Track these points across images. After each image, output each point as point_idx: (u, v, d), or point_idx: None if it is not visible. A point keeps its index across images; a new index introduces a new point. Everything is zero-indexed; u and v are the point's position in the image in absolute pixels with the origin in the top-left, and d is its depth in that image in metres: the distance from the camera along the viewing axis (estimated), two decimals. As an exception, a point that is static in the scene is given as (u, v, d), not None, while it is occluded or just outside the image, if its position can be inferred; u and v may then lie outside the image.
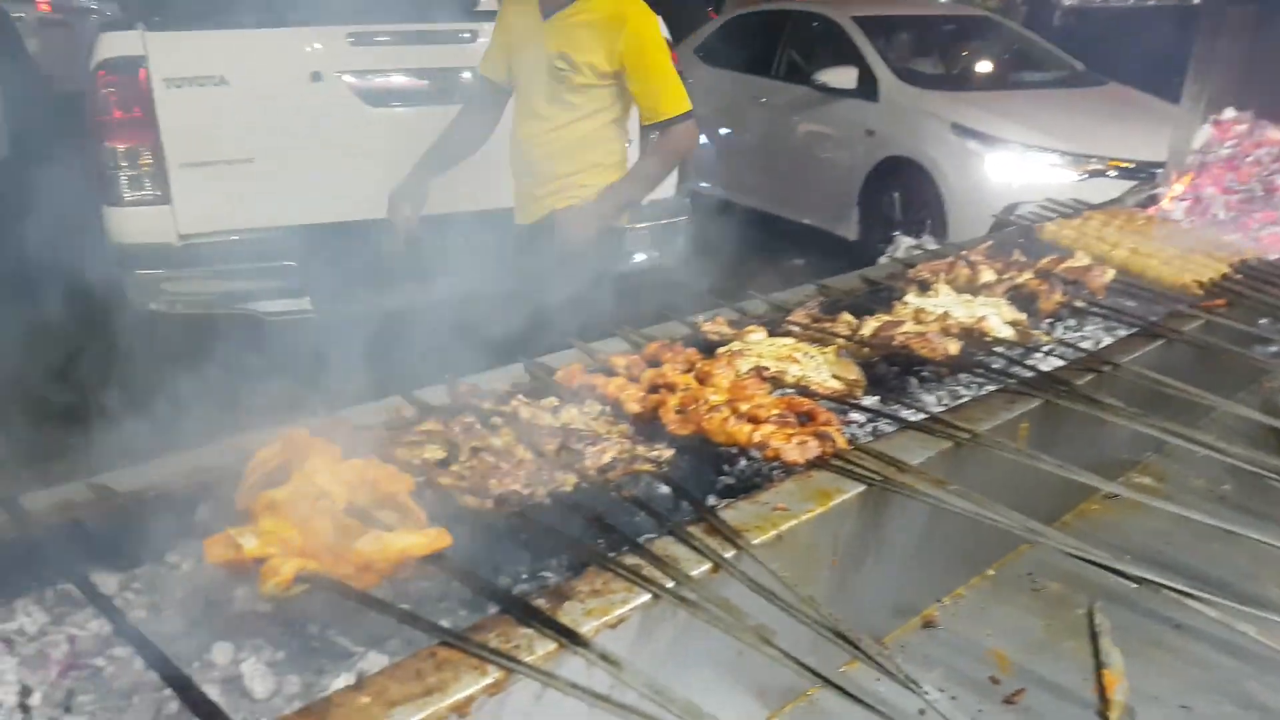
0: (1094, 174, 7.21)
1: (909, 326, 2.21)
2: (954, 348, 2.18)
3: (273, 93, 4.79)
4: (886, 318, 2.29)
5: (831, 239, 8.46)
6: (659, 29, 3.15)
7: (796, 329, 2.26)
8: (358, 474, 1.31)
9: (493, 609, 1.19)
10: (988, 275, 2.67)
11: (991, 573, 1.95)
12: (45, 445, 3.34)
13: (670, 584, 1.25)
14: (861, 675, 1.25)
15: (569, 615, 1.16)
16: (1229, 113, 4.10)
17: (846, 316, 2.31)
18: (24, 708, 1.17)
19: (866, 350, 2.19)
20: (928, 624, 1.79)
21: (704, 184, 9.98)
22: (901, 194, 7.95)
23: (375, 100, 4.90)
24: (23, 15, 12.75)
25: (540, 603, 1.17)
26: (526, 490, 1.41)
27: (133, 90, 4.46)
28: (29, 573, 1.35)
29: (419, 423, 1.60)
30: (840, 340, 2.18)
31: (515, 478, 1.43)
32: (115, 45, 4.50)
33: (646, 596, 1.23)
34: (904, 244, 5.97)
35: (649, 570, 1.27)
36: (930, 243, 5.11)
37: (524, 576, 1.49)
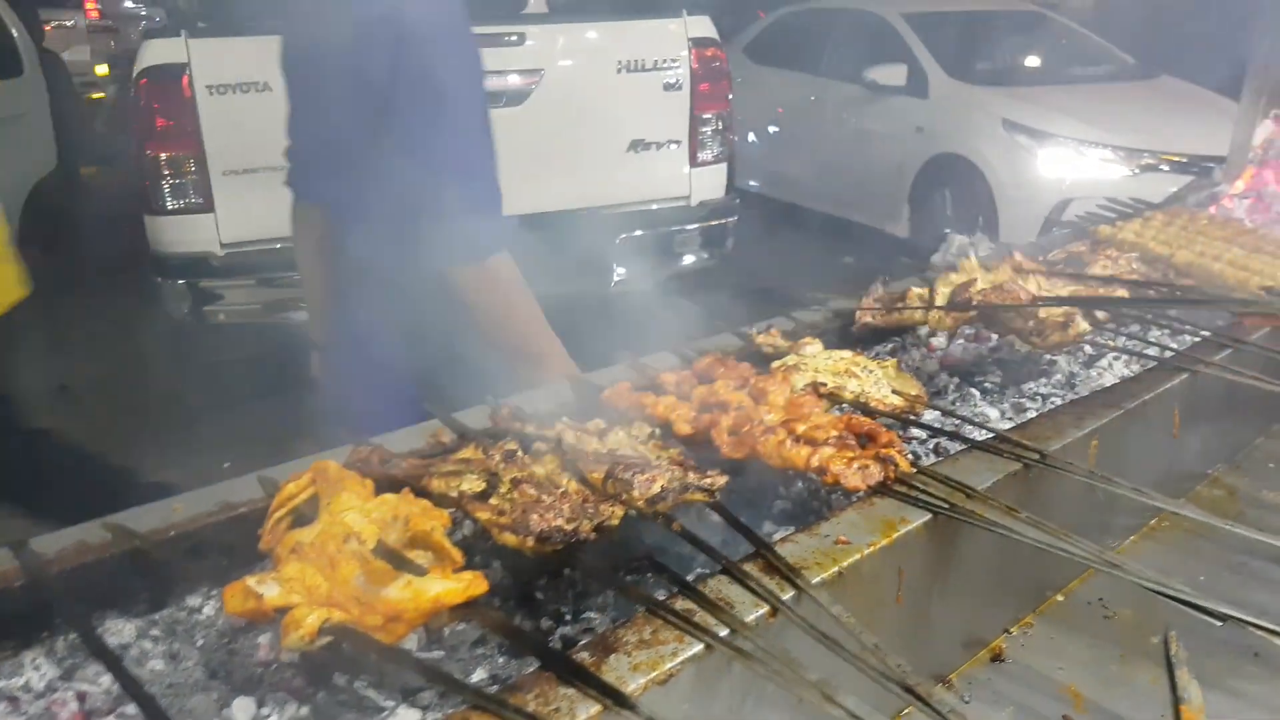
0: (1147, 169, 7.05)
1: (981, 284, 2.13)
2: (1031, 285, 2.11)
3: (315, 99, 4.75)
4: (956, 278, 2.21)
5: (882, 236, 8.34)
6: None
7: (871, 319, 2.19)
8: (390, 510, 1.23)
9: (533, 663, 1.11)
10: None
11: (1060, 599, 1.84)
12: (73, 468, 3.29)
13: (724, 632, 1.15)
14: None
15: (614, 671, 1.06)
16: (1291, 107, 3.94)
17: (915, 290, 2.23)
18: (30, 774, 1.10)
19: (950, 320, 2.11)
20: (996, 657, 1.68)
21: (753, 183, 9.90)
22: (952, 191, 7.82)
23: (420, 104, 4.84)
24: (73, 21, 12.94)
25: (584, 657, 1.08)
26: (570, 525, 1.32)
27: (175, 98, 4.45)
28: (39, 622, 1.28)
29: (457, 450, 1.52)
30: (918, 314, 2.10)
31: (558, 511, 1.33)
32: (158, 53, 4.49)
33: (699, 647, 1.13)
34: (956, 242, 5.84)
35: (701, 616, 1.17)
36: (985, 242, 4.97)
37: (568, 619, 1.41)
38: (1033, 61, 9.16)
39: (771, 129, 9.98)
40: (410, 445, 1.61)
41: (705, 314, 2.50)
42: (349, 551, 1.13)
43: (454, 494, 1.37)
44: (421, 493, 1.35)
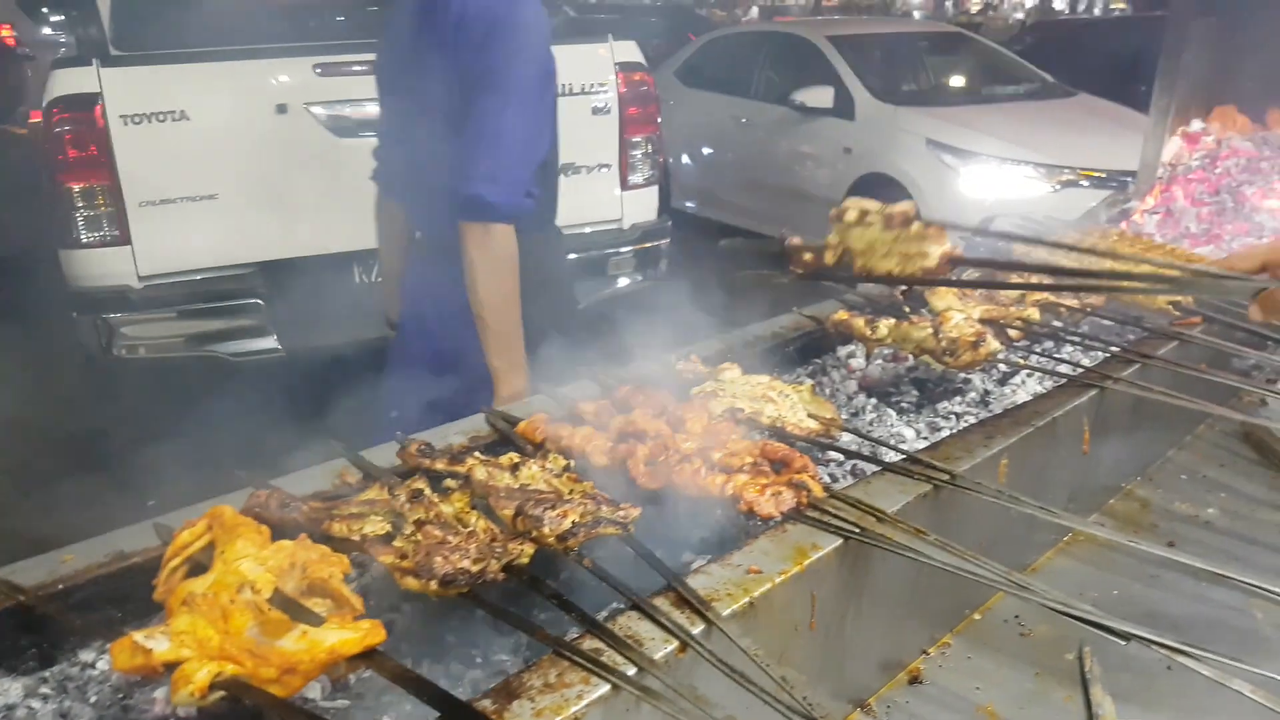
0: (1067, 184, 7.21)
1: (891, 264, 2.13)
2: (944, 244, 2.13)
3: (236, 127, 4.68)
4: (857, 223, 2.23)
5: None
6: None
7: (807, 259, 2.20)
8: (287, 557, 1.19)
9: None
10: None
11: (977, 617, 1.85)
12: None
13: (632, 671, 1.14)
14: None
15: (517, 719, 1.04)
16: (1196, 124, 4.05)
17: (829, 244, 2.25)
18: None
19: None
20: (914, 679, 1.69)
21: (688, 204, 9.97)
22: (880, 210, 7.92)
23: (345, 131, 4.79)
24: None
25: (485, 705, 1.05)
26: (476, 566, 1.29)
27: (88, 128, 4.35)
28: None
29: (362, 490, 1.48)
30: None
31: (464, 553, 1.31)
32: (69, 82, 4.39)
33: (605, 688, 1.11)
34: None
35: (609, 655, 1.15)
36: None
37: (479, 661, 1.38)
38: (956, 82, 9.35)
39: (705, 151, 10.06)
40: (314, 486, 1.57)
41: (638, 337, 2.50)
42: (243, 602, 1.10)
43: (356, 538, 1.34)
44: (323, 537, 1.32)
